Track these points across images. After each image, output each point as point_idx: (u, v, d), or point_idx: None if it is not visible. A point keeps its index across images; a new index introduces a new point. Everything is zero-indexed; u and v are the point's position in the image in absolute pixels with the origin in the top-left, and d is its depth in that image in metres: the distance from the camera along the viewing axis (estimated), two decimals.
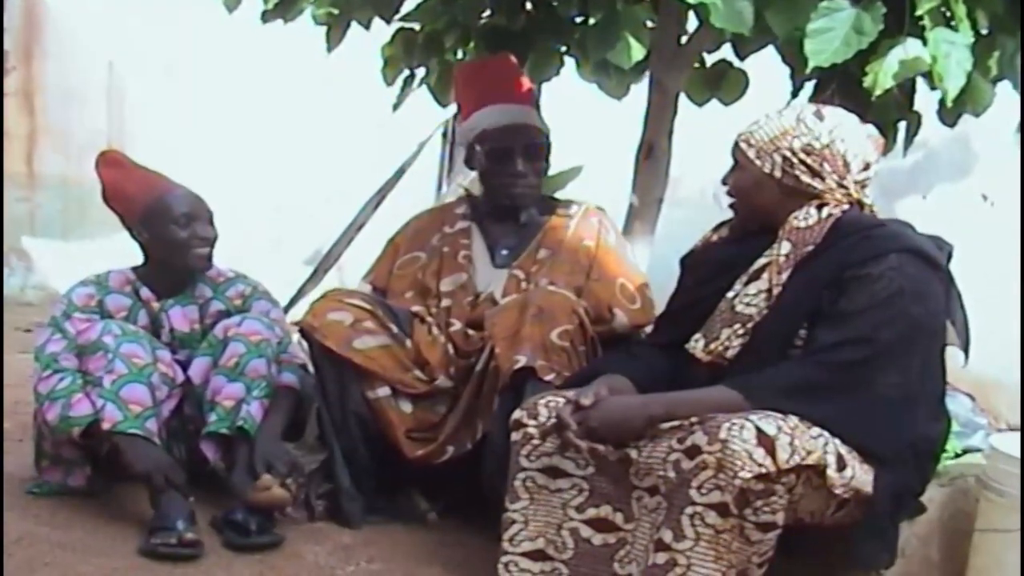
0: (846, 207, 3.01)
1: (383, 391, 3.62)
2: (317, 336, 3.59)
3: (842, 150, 2.99)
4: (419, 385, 3.64)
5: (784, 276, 2.97)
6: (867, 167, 3.04)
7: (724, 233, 3.23)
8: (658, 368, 3.16)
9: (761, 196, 3.04)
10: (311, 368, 3.79)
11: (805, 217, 2.98)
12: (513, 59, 4.08)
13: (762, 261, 3.03)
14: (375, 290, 3.92)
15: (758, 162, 3.01)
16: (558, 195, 4.08)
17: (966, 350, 3.10)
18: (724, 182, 3.13)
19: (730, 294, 3.06)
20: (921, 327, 2.90)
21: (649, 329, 3.67)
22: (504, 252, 3.88)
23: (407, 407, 3.64)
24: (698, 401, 2.90)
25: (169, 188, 3.73)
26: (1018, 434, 3.32)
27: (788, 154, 2.98)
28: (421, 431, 3.64)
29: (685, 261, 3.31)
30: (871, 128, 3.09)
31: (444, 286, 3.84)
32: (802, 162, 2.98)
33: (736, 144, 3.07)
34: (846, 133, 3.00)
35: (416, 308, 3.76)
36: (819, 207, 2.99)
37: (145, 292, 3.77)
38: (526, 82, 4.04)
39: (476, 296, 3.81)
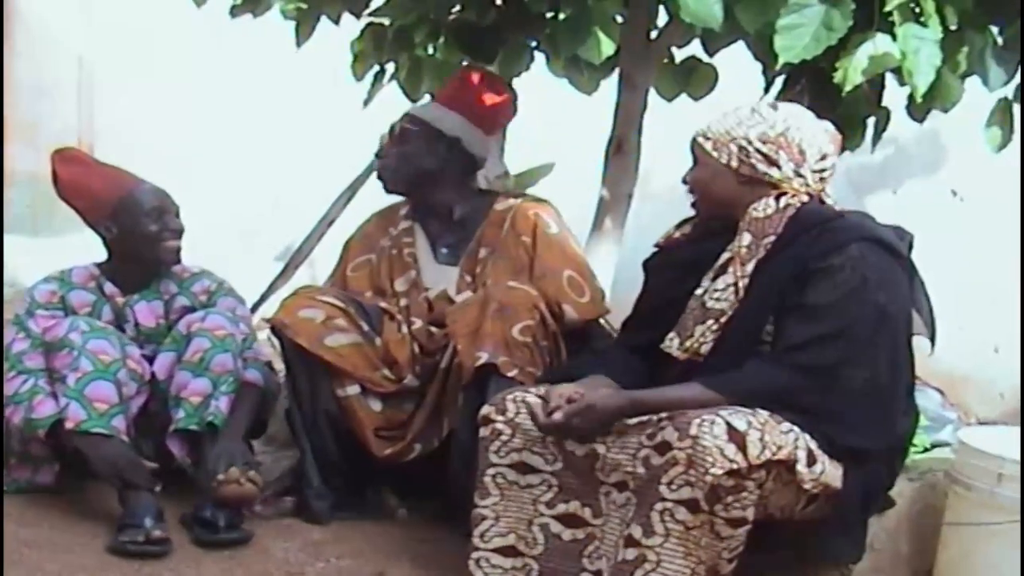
0: (805, 199, 3.02)
1: (353, 389, 3.61)
2: (288, 333, 3.58)
3: (797, 138, 3.01)
4: (387, 384, 3.63)
5: (749, 268, 2.98)
6: (824, 157, 3.05)
7: (687, 230, 3.23)
8: (634, 369, 3.16)
9: (719, 187, 3.05)
10: (276, 366, 3.78)
11: (764, 208, 3.00)
12: (482, 74, 4.04)
13: (726, 255, 3.04)
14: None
15: (715, 154, 3.03)
16: (529, 191, 4.05)
17: (932, 338, 3.12)
18: (685, 180, 3.14)
19: (699, 291, 3.06)
20: (887, 316, 2.92)
21: (602, 321, 3.72)
22: (444, 250, 3.86)
23: (376, 405, 3.64)
24: (674, 400, 2.90)
25: (137, 183, 3.72)
26: (987, 428, 3.34)
27: (744, 143, 3.00)
28: (389, 429, 3.64)
29: (648, 264, 3.30)
30: (827, 124, 3.11)
31: (398, 286, 3.83)
32: (758, 151, 2.99)
33: (694, 140, 3.09)
34: (800, 123, 3.03)
35: (384, 304, 3.75)
36: (777, 197, 3.00)
37: (109, 287, 3.75)
38: (465, 87, 3.98)
39: (425, 291, 3.80)
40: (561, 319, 3.59)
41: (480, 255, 3.79)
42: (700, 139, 3.07)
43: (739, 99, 3.16)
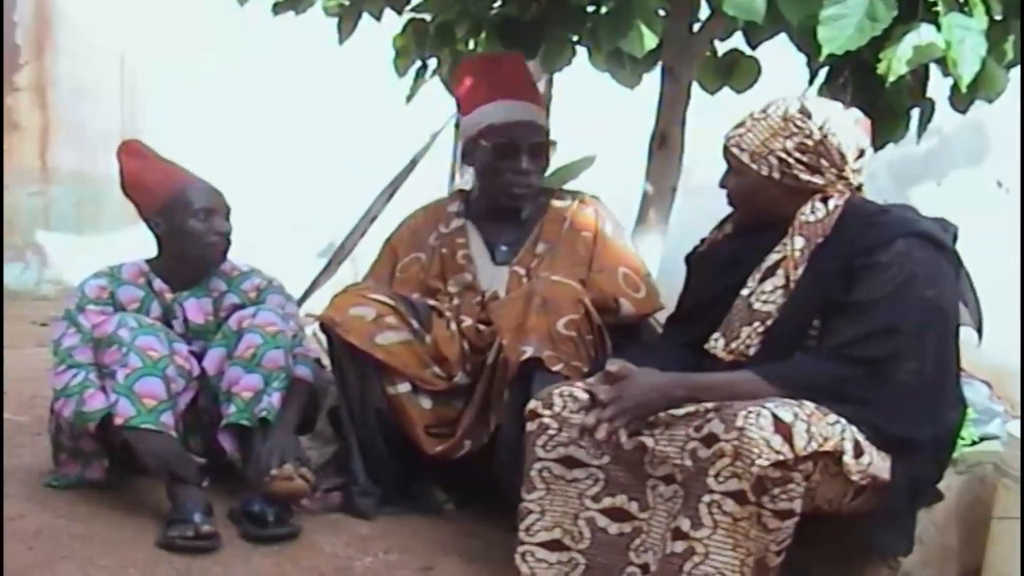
0: (847, 195, 3.01)
1: (403, 387, 3.60)
2: (339, 331, 3.57)
3: (836, 143, 2.98)
4: (438, 382, 3.63)
5: (800, 271, 2.97)
6: (862, 153, 3.04)
7: (728, 229, 3.23)
8: (683, 362, 3.15)
9: (763, 198, 3.05)
10: (324, 362, 3.78)
11: (813, 211, 2.99)
12: (521, 56, 4.06)
13: (774, 257, 3.02)
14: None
15: (754, 166, 3.01)
16: (569, 185, 4.05)
17: (980, 330, 3.10)
18: (722, 185, 3.12)
19: (745, 291, 3.05)
20: (936, 310, 2.91)
21: (658, 316, 3.69)
22: (504, 248, 3.84)
23: (426, 403, 3.63)
24: (725, 386, 2.89)
25: (190, 181, 3.73)
26: None
27: (783, 155, 2.98)
28: (439, 427, 3.63)
29: (691, 260, 3.31)
30: (855, 112, 3.08)
31: (451, 287, 3.81)
32: (799, 161, 2.97)
33: (727, 148, 3.07)
34: (836, 126, 2.99)
35: (432, 302, 3.74)
36: (824, 200, 2.99)
37: (158, 284, 3.77)
38: (532, 79, 3.99)
39: (482, 295, 3.78)
40: (617, 313, 3.60)
41: (538, 250, 3.80)
42: (735, 150, 3.04)
43: (782, 92, 3.13)
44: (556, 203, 3.89)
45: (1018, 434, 3.18)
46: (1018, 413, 4.34)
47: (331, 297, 3.73)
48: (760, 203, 3.06)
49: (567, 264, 3.71)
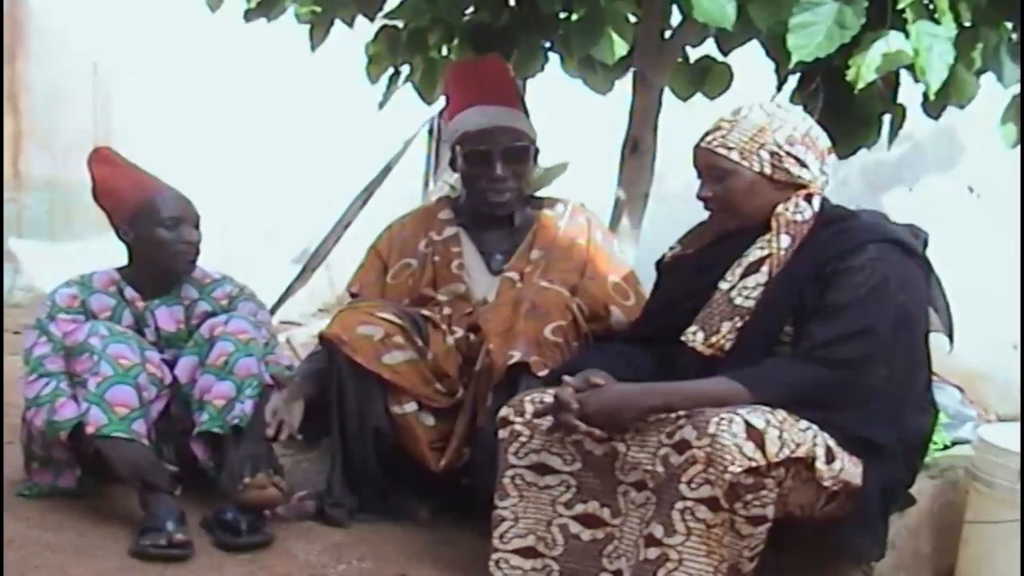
0: (823, 196, 3.03)
1: (410, 407, 3.57)
2: (346, 349, 3.53)
3: (815, 135, 3.03)
4: (441, 400, 3.60)
5: (778, 270, 2.97)
6: (829, 152, 3.07)
7: (699, 244, 3.21)
8: (635, 360, 3.16)
9: (756, 197, 3.02)
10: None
11: (799, 210, 2.99)
12: (503, 61, 4.05)
13: (758, 253, 3.02)
14: (357, 298, 3.87)
15: (745, 163, 3.00)
16: (543, 192, 4.04)
17: (950, 335, 3.11)
18: (700, 196, 3.08)
19: (724, 286, 3.05)
20: (907, 315, 2.92)
21: None
22: (499, 257, 3.82)
23: (430, 420, 3.60)
24: (699, 393, 2.88)
25: (159, 189, 3.72)
26: (1007, 425, 3.34)
27: (775, 148, 2.98)
28: (439, 441, 3.60)
29: (660, 265, 3.31)
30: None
31: (441, 295, 3.78)
32: (788, 153, 2.98)
33: (709, 152, 3.03)
34: (812, 121, 3.05)
35: (427, 312, 3.71)
36: (807, 198, 3.00)
37: (130, 292, 3.76)
38: (513, 84, 3.99)
39: (473, 304, 3.75)
40: (608, 320, 3.60)
41: (532, 256, 3.78)
42: (721, 150, 3.01)
43: (755, 98, 3.14)
44: (547, 211, 3.89)
45: (989, 438, 3.19)
46: (990, 417, 4.37)
47: (336, 312, 3.68)
48: (751, 205, 3.03)
49: (561, 269, 3.71)
